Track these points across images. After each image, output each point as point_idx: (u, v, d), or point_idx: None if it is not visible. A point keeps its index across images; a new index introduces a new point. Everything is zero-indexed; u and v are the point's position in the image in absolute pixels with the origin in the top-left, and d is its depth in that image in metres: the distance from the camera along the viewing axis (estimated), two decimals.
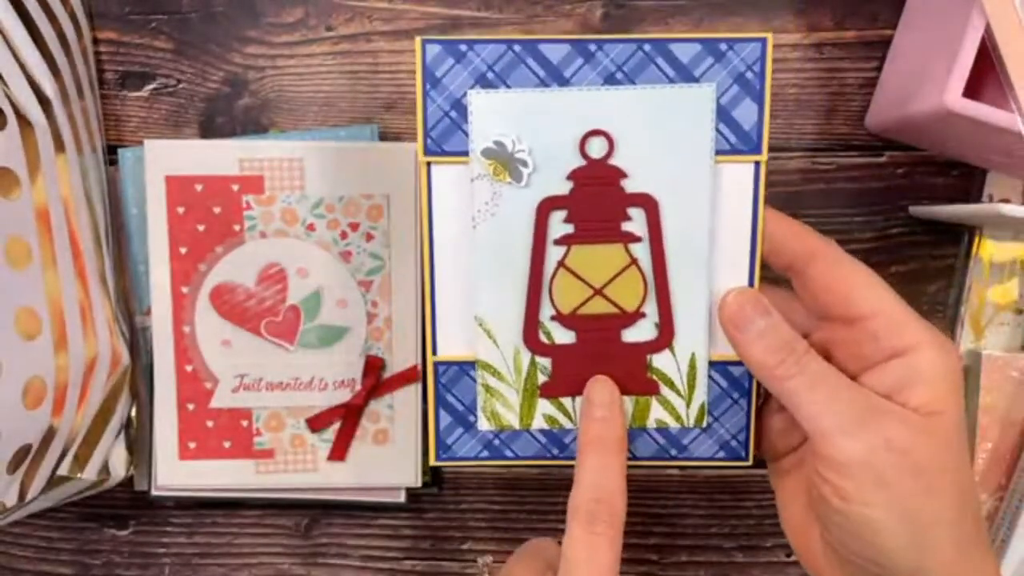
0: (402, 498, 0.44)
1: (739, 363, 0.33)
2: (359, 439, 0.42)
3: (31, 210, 0.35)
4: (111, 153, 0.43)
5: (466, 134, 0.32)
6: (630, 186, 0.33)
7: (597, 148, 0.32)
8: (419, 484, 0.43)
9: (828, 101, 0.42)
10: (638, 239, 0.33)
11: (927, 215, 0.42)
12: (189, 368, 0.42)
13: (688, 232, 0.33)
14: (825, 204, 0.43)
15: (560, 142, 0.32)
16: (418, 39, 0.32)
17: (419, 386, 0.42)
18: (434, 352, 0.35)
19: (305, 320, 0.41)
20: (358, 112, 0.43)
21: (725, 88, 0.32)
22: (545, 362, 0.34)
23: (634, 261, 0.33)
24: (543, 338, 0.34)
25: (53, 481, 0.38)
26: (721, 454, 0.35)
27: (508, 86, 0.32)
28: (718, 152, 0.32)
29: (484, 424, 0.35)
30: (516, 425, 0.35)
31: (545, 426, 0.35)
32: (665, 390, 0.34)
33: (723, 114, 0.32)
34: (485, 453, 0.35)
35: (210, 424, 0.42)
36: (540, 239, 0.33)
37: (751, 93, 0.32)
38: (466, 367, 0.35)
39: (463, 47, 0.32)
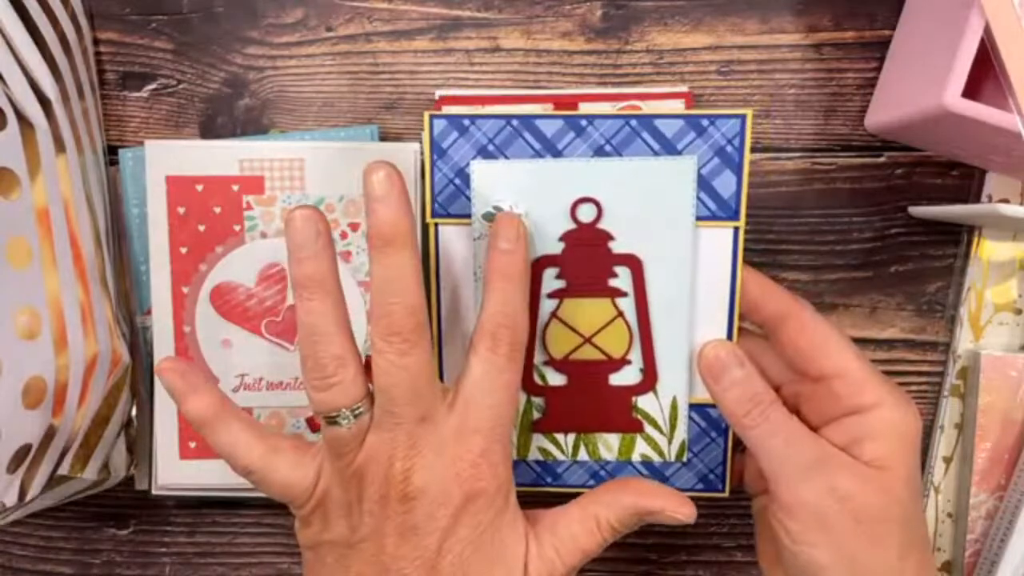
0: None
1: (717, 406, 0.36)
2: None
3: (31, 210, 0.35)
4: (112, 153, 0.43)
5: (469, 199, 0.36)
6: (616, 247, 0.36)
7: (586, 213, 0.35)
8: None
9: (827, 101, 0.42)
10: (624, 294, 0.36)
11: (926, 215, 0.42)
12: None
13: (670, 289, 0.36)
14: (824, 204, 0.43)
15: (553, 208, 0.35)
16: (426, 115, 0.35)
17: None
18: None
19: None
20: (358, 112, 0.43)
21: (706, 160, 0.35)
22: (539, 401, 0.38)
23: (620, 314, 0.36)
24: (537, 380, 0.37)
25: (53, 480, 0.38)
26: (700, 486, 0.38)
27: (507, 157, 0.35)
28: (699, 218, 0.35)
29: None
30: (513, 455, 0.38)
31: (540, 457, 0.38)
32: (649, 428, 0.38)
33: (704, 184, 0.35)
34: None
35: None
36: (535, 293, 0.36)
37: (730, 165, 0.35)
38: None
39: (466, 122, 0.35)
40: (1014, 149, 0.35)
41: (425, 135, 0.35)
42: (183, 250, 0.41)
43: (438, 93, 0.42)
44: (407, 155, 0.41)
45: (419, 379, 0.32)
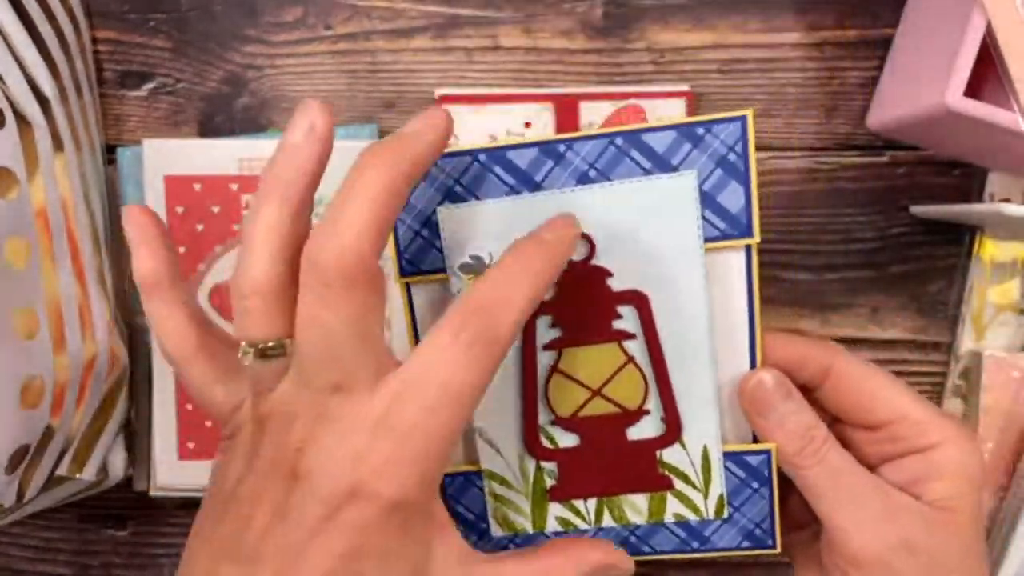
0: None
1: (756, 452, 0.32)
2: None
3: (29, 210, 0.35)
4: (110, 152, 0.43)
5: (440, 251, 0.31)
6: (617, 284, 0.31)
7: (577, 250, 0.31)
8: None
9: (829, 100, 0.42)
10: (632, 336, 0.32)
11: (928, 215, 0.42)
12: None
13: (684, 324, 0.31)
14: (826, 204, 0.42)
15: None
16: None
17: None
18: None
19: None
20: (357, 111, 0.43)
21: (707, 173, 0.30)
22: (551, 466, 0.33)
23: (630, 359, 0.32)
24: (546, 443, 0.33)
25: (52, 481, 0.38)
26: (746, 543, 0.34)
27: (478, 197, 0.31)
28: (707, 239, 0.30)
29: (497, 530, 0.34)
30: (530, 529, 0.34)
31: (559, 528, 0.34)
32: (680, 484, 0.33)
33: (708, 200, 0.30)
34: None
35: (209, 424, 0.42)
36: (529, 346, 0.32)
37: (735, 175, 0.30)
38: (472, 477, 0.34)
39: None
40: (1016, 148, 0.35)
41: None
42: (181, 250, 0.41)
43: (437, 92, 0.42)
44: None
45: (339, 338, 0.25)
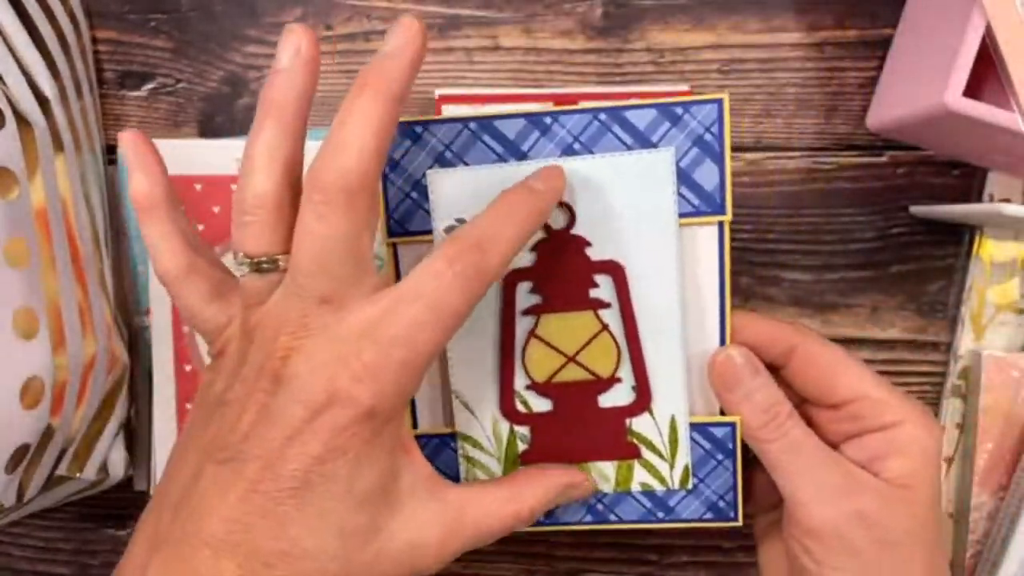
0: None
1: (722, 424, 0.34)
2: None
3: (30, 210, 0.35)
4: (110, 153, 0.43)
5: (428, 213, 0.33)
6: (594, 254, 0.33)
7: (557, 219, 0.32)
8: None
9: (829, 100, 0.42)
10: (607, 305, 0.33)
11: (928, 215, 0.42)
12: (188, 368, 0.42)
13: (657, 295, 0.33)
14: (825, 204, 0.42)
15: None
16: None
17: None
18: (415, 427, 0.35)
19: None
20: None
21: (684, 151, 0.32)
22: (524, 431, 0.34)
23: (605, 327, 0.33)
24: (520, 407, 0.34)
25: (52, 481, 0.38)
26: (709, 515, 0.35)
27: (467, 163, 0.32)
28: (682, 215, 0.32)
29: None
30: None
31: None
32: (647, 453, 0.34)
33: (684, 177, 0.32)
34: None
35: None
36: (509, 311, 0.33)
37: (711, 154, 0.32)
38: (447, 439, 0.35)
39: (418, 128, 0.32)
40: (1015, 148, 0.35)
41: None
42: None
43: (437, 92, 0.42)
44: None
45: (330, 252, 0.27)
